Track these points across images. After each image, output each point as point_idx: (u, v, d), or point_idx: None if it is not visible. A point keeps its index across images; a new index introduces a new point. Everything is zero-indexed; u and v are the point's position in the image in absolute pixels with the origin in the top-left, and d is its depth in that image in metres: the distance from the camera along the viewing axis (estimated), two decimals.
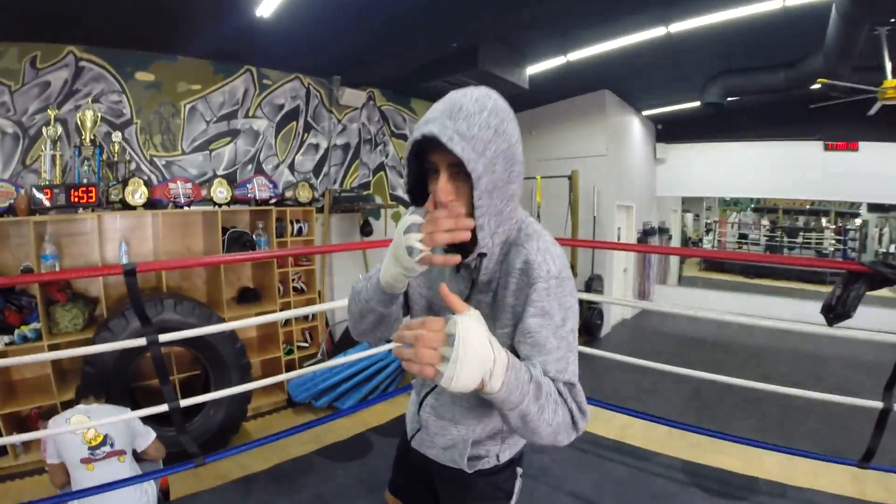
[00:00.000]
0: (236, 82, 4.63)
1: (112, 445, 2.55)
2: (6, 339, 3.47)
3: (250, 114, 4.68)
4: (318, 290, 4.81)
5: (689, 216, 12.88)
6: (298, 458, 3.48)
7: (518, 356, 1.01)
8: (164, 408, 2.50)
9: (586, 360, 3.79)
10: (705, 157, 8.30)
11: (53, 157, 3.76)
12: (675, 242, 10.14)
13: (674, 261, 9.89)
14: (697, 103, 6.14)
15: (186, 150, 4.33)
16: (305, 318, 4.65)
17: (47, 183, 3.67)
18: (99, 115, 3.89)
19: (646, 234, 7.98)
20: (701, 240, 13.72)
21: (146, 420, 2.64)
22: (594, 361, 3.31)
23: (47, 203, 3.53)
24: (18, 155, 3.86)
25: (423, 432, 1.32)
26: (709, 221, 14.12)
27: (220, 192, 4.06)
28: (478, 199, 0.94)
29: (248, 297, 4.27)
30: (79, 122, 3.82)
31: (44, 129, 3.75)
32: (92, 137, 3.81)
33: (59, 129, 3.81)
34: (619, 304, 7.38)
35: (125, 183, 3.80)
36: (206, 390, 3.73)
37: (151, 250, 4.04)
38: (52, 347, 3.48)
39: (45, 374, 3.58)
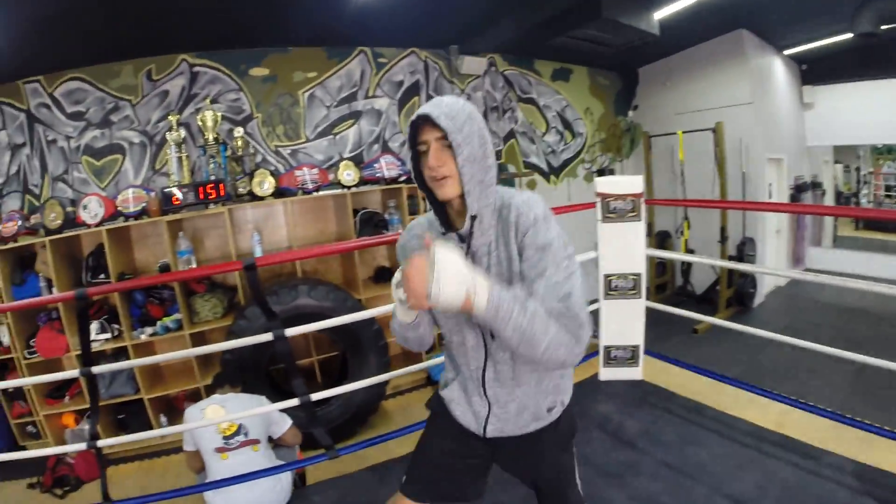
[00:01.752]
0: (351, 65, 4.66)
1: (246, 435, 2.63)
2: (150, 330, 3.75)
3: (370, 94, 4.69)
4: None
5: (839, 167, 11.50)
6: None
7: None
8: (295, 401, 2.50)
9: (739, 337, 3.43)
10: (858, 98, 7.25)
11: (180, 158, 3.97)
12: (829, 199, 9.08)
13: (828, 220, 8.86)
14: (847, 35, 5.39)
15: (310, 137, 4.43)
16: None
17: (177, 183, 3.87)
18: (219, 114, 4.05)
19: (798, 189, 7.17)
20: (856, 195, 12.24)
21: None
22: (748, 337, 2.94)
23: (178, 202, 3.71)
24: (147, 161, 4.16)
25: (496, 410, 1.40)
26: (863, 173, 12.54)
27: (348, 174, 4.09)
28: (461, 165, 1.15)
29: (385, 277, 4.29)
30: (200, 124, 4.01)
31: (168, 135, 3.99)
32: (215, 136, 3.97)
33: (183, 133, 4.03)
34: (773, 273, 6.71)
35: (251, 175, 3.92)
36: (345, 369, 3.81)
37: (285, 237, 4.18)
38: (194, 335, 3.75)
39: (189, 360, 3.84)
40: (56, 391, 3.90)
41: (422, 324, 1.35)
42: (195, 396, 3.87)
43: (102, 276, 3.72)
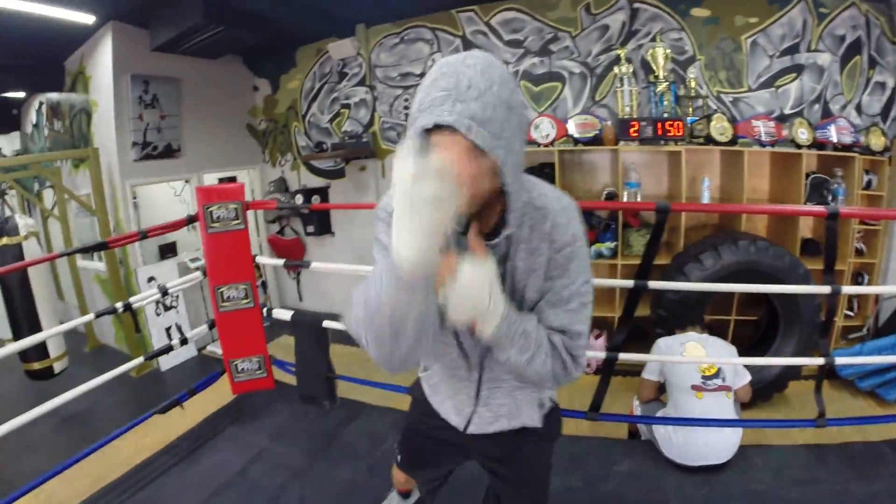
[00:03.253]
0: (792, 13, 4.31)
1: (723, 380, 2.66)
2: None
3: (812, 47, 4.31)
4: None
5: None
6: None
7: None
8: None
9: None
10: None
11: (630, 92, 3.98)
12: None
13: None
14: None
15: (752, 87, 4.21)
16: (857, 283, 4.18)
17: (629, 116, 3.89)
18: (669, 51, 3.97)
19: None
20: None
21: None
22: None
23: (636, 134, 3.71)
24: (588, 92, 4.24)
25: (485, 410, 1.34)
26: None
27: (802, 133, 3.82)
28: (507, 185, 0.92)
29: (810, 250, 3.96)
30: (650, 59, 3.99)
31: (616, 68, 4.04)
32: (665, 74, 3.91)
33: (631, 67, 4.02)
34: None
35: (708, 118, 3.79)
36: (765, 336, 3.72)
37: (717, 187, 4.05)
38: (624, 266, 3.91)
39: (608, 288, 4.07)
40: None
41: (430, 290, 1.02)
42: (600, 325, 4.06)
43: None
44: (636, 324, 2.59)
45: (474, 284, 0.90)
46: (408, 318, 0.90)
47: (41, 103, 5.54)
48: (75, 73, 5.33)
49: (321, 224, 5.64)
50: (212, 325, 3.40)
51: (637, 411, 2.95)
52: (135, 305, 2.97)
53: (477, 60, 0.90)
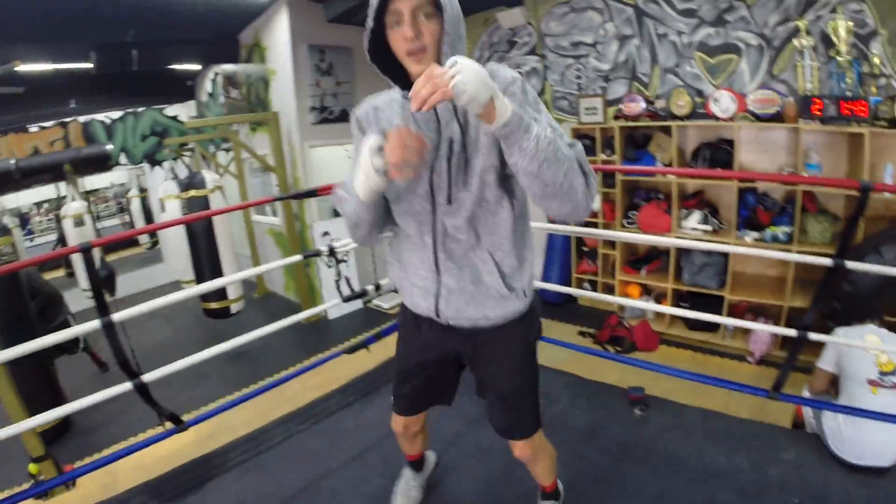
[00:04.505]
0: None
1: None
2: (755, 234, 3.95)
3: None
4: None
5: None
6: None
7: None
8: None
9: None
10: None
11: (810, 67, 3.96)
12: None
13: None
14: None
15: None
16: None
17: (811, 93, 3.89)
18: (850, 24, 3.88)
19: None
20: None
21: None
22: None
23: (820, 113, 3.71)
24: (765, 65, 4.23)
25: (447, 292, 1.48)
26: None
27: None
28: (447, 30, 1.19)
29: None
30: (830, 32, 3.91)
31: (795, 41, 3.98)
32: (847, 48, 3.85)
33: (812, 40, 3.98)
34: None
35: (893, 99, 3.75)
36: None
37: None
38: (800, 253, 3.72)
39: (776, 275, 4.11)
40: (636, 262, 4.51)
41: (378, 206, 1.40)
42: (761, 310, 4.10)
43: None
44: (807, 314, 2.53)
45: (475, 66, 1.04)
46: (362, 219, 1.41)
47: (216, 74, 6.16)
48: (250, 45, 5.91)
49: None
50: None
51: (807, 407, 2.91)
52: (338, 250, 3.30)
53: None
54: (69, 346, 4.43)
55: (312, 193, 3.20)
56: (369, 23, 1.24)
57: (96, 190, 8.91)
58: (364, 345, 3.37)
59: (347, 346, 3.37)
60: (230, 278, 4.04)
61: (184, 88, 7.56)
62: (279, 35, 5.31)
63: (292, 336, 4.93)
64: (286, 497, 2.67)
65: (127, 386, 2.40)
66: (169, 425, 2.56)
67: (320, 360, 3.23)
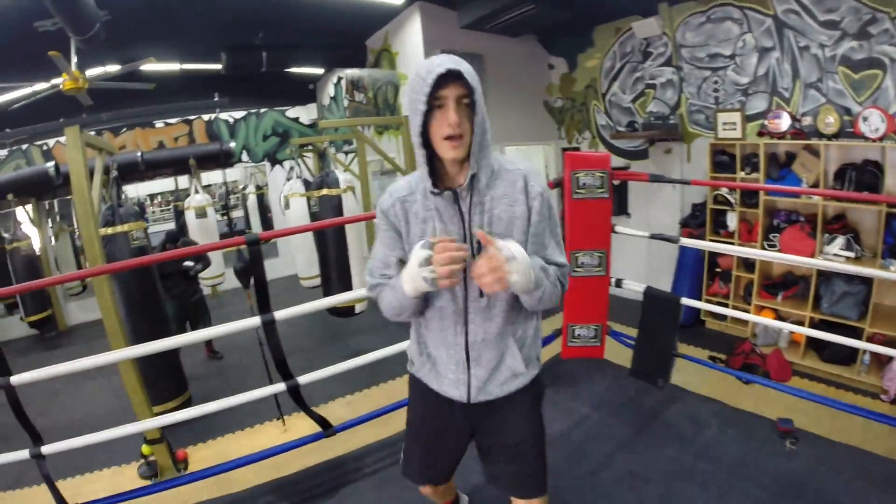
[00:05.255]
0: None
1: None
2: None
3: None
4: None
5: None
6: None
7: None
8: None
9: None
10: None
11: None
12: None
13: None
14: None
15: None
16: None
17: None
18: None
19: None
20: None
21: None
22: None
23: None
24: None
25: (477, 371, 1.59)
26: None
27: None
28: (478, 124, 1.33)
29: None
30: None
31: None
32: None
33: None
34: None
35: None
36: None
37: None
38: None
39: None
40: (772, 287, 4.41)
41: (422, 298, 1.50)
42: (893, 345, 3.88)
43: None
44: None
45: (525, 259, 1.32)
46: (406, 310, 1.52)
47: (340, 78, 6.49)
48: (378, 49, 6.19)
49: (617, 204, 5.81)
50: None
51: None
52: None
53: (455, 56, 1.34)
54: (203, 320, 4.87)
55: None
56: (421, 107, 1.30)
57: (208, 186, 9.55)
58: None
59: None
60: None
61: (305, 92, 8.03)
62: (412, 40, 5.56)
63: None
64: None
65: (281, 387, 2.51)
66: (293, 423, 2.65)
67: None
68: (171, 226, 8.50)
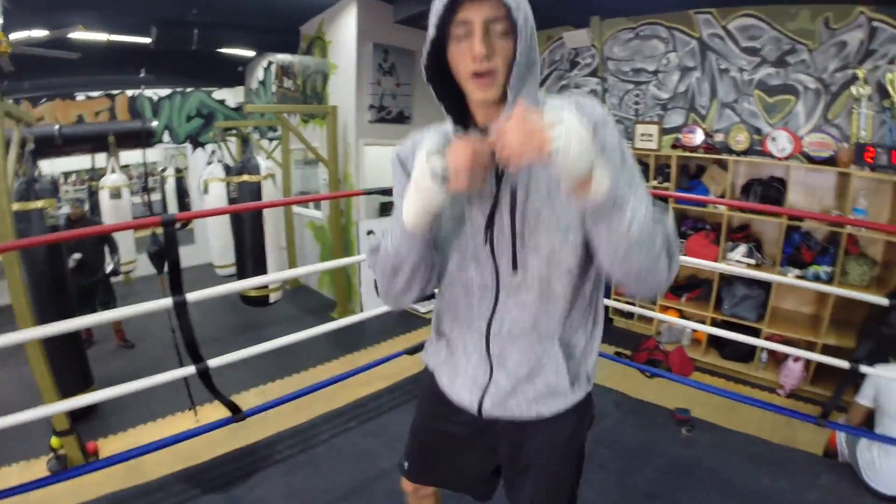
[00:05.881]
0: None
1: None
2: (797, 271, 4.17)
3: None
4: None
5: None
6: None
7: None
8: None
9: None
10: None
11: (866, 116, 4.19)
12: None
13: None
14: None
15: None
16: None
17: (864, 141, 4.12)
18: None
19: None
20: None
21: None
22: None
23: (872, 161, 3.94)
24: (820, 110, 4.46)
25: (500, 376, 1.21)
26: None
27: None
28: (520, 54, 0.96)
29: None
30: (887, 84, 4.13)
31: (852, 88, 4.22)
32: None
33: (869, 89, 4.22)
34: None
35: None
36: None
37: None
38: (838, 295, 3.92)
39: (811, 313, 4.39)
40: (676, 289, 4.75)
41: (427, 242, 1.08)
42: (793, 346, 4.20)
43: None
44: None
45: (580, 128, 0.85)
46: (405, 261, 1.09)
47: (270, 62, 6.40)
48: (312, 37, 6.16)
49: None
50: None
51: (840, 436, 3.11)
52: None
53: None
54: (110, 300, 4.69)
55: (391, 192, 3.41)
56: (431, 32, 1.01)
57: (126, 166, 9.12)
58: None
59: (406, 347, 3.50)
60: (299, 271, 4.17)
61: (234, 74, 7.82)
62: (346, 31, 5.57)
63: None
64: (339, 495, 2.74)
65: (190, 370, 2.46)
66: (204, 411, 2.62)
67: (378, 360, 3.34)
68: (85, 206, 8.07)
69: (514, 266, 1.12)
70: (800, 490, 2.84)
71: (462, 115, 1.11)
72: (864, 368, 2.67)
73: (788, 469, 3.02)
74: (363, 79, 5.50)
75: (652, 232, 0.95)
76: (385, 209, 6.26)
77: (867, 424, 3.02)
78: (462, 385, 1.27)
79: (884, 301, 2.68)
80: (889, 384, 2.88)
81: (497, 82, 0.99)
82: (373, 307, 3.64)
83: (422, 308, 5.74)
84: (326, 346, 4.68)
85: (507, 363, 1.19)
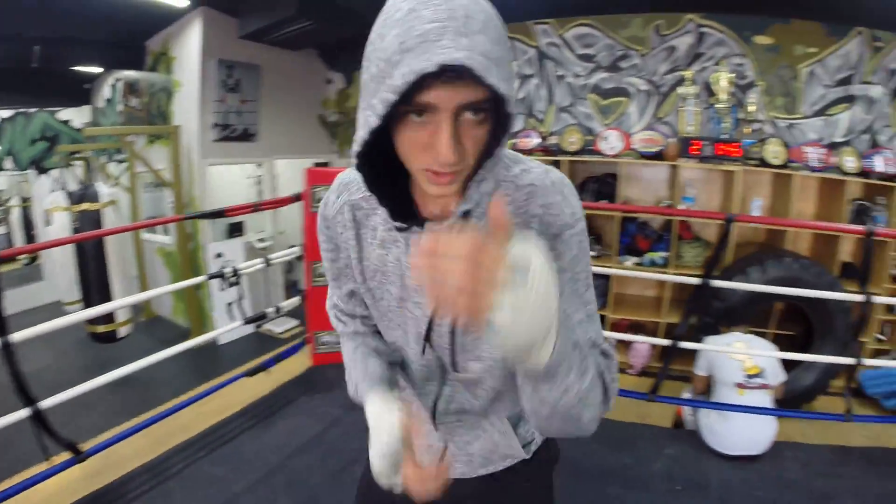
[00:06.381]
0: (850, 45, 4.79)
1: (765, 378, 3.13)
2: (635, 259, 4.49)
3: (865, 79, 4.81)
4: None
5: None
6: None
7: None
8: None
9: None
10: None
11: (692, 113, 4.51)
12: None
13: None
14: None
15: (807, 114, 4.71)
16: (889, 309, 4.64)
17: (691, 135, 4.42)
18: (732, 76, 4.50)
19: None
20: None
21: None
22: None
23: (697, 152, 4.25)
24: (652, 109, 4.78)
25: (454, 448, 1.10)
26: None
27: (849, 161, 4.31)
28: (502, 146, 0.73)
29: (849, 273, 4.43)
30: (712, 83, 4.52)
31: (680, 89, 4.58)
32: (727, 97, 4.44)
33: (695, 89, 4.55)
34: None
35: (763, 141, 4.32)
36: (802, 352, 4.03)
37: (767, 207, 4.57)
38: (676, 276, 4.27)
39: (653, 296, 4.73)
40: None
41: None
42: (639, 327, 4.63)
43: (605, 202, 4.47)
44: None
45: (549, 285, 0.59)
46: None
47: (117, 80, 6.10)
48: (157, 53, 5.93)
49: None
50: (303, 299, 3.90)
51: (686, 407, 3.42)
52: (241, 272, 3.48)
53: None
54: None
55: (220, 214, 3.36)
56: (377, 104, 0.66)
57: None
58: (264, 367, 3.53)
59: (247, 369, 3.48)
60: (131, 299, 3.97)
61: (80, 92, 7.31)
62: (190, 46, 5.39)
63: (181, 362, 4.72)
64: None
65: (22, 413, 2.34)
66: (58, 458, 2.48)
67: (219, 384, 3.30)
68: None
69: (455, 369, 0.97)
70: (645, 462, 3.05)
71: (401, 202, 0.85)
72: (684, 344, 3.07)
73: (637, 445, 3.21)
74: (207, 96, 5.32)
75: (586, 399, 0.74)
76: (234, 230, 6.05)
77: (709, 392, 3.34)
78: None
79: (697, 280, 3.01)
80: (718, 355, 3.19)
81: (459, 178, 0.73)
82: (224, 332, 3.66)
83: (277, 329, 5.56)
84: (183, 377, 4.40)
85: (456, 442, 1.10)
